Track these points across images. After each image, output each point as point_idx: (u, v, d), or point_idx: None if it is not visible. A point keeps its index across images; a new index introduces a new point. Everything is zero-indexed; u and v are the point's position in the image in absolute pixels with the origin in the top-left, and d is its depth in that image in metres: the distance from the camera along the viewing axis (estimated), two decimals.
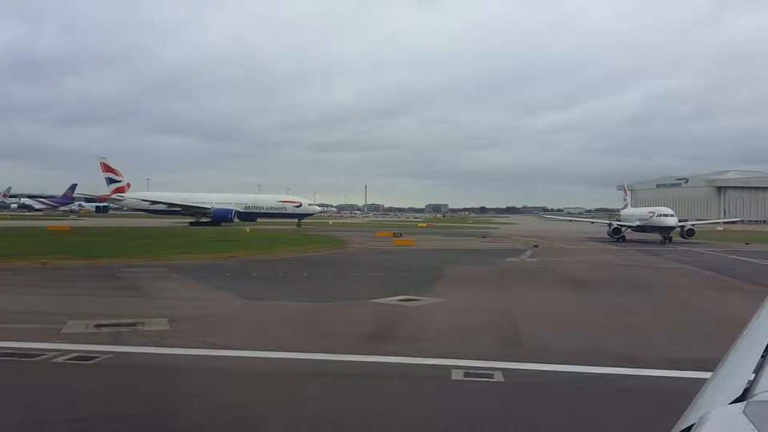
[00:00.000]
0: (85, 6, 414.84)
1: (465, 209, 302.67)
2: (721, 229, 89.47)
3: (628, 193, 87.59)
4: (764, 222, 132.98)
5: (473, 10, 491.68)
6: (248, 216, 77.96)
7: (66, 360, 9.45)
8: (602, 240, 56.32)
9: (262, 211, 79.57)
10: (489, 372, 9.02)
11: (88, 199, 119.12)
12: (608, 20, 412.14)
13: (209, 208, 76.68)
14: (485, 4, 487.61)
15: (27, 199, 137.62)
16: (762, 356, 2.10)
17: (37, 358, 9.51)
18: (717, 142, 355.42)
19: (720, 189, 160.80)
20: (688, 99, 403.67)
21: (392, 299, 16.72)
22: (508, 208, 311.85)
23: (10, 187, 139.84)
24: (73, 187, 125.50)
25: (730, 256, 38.86)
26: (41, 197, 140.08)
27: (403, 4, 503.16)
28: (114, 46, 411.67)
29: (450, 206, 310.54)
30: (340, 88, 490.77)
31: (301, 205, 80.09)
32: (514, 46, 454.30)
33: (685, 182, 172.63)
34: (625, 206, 77.74)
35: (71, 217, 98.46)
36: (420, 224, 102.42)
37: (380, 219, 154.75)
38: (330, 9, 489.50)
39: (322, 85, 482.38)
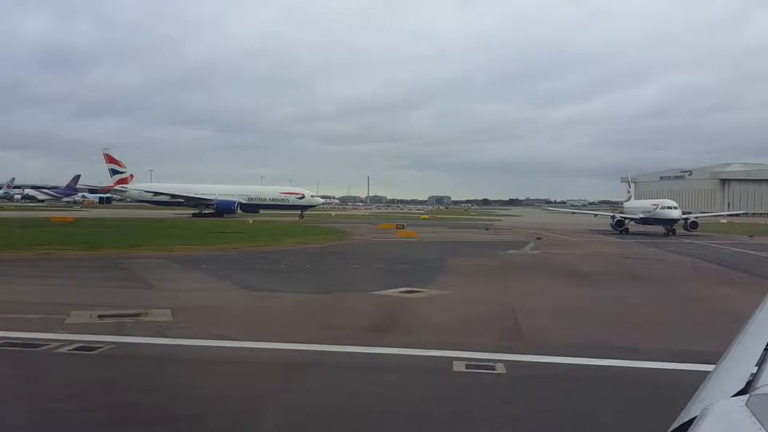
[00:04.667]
0: (118, 1, 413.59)
1: (468, 201, 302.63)
2: (725, 221, 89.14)
3: (632, 185, 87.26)
4: None
5: (505, 3, 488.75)
6: (251, 207, 77.92)
7: (69, 350, 9.50)
8: (605, 232, 56.20)
9: (265, 202, 79.58)
10: (491, 364, 9.03)
11: (92, 190, 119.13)
12: (636, 14, 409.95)
13: (212, 200, 76.69)
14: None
15: (31, 189, 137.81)
16: (765, 349, 2.09)
17: (41, 348, 9.56)
18: (731, 136, 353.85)
19: (724, 181, 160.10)
20: (705, 93, 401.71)
21: (394, 291, 16.73)
22: (510, 200, 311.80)
23: (14, 178, 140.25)
24: (77, 178, 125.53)
25: (733, 248, 38.77)
26: (45, 188, 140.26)
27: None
28: (141, 40, 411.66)
29: (453, 198, 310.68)
30: (361, 81, 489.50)
31: (303, 196, 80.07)
32: (540, 39, 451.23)
33: (689, 175, 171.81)
34: (629, 199, 77.50)
35: (74, 208, 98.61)
36: (423, 216, 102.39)
37: (383, 211, 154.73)
38: (363, 2, 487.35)
39: (345, 78, 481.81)
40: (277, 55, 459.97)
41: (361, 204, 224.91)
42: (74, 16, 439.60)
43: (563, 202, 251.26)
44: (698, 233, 54.57)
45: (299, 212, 77.16)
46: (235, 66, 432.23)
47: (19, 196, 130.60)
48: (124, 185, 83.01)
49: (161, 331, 11.19)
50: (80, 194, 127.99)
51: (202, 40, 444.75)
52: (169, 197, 78.22)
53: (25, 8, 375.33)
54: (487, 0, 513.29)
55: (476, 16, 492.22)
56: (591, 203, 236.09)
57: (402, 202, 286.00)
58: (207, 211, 74.84)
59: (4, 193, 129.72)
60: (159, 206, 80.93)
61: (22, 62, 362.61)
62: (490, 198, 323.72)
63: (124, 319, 12.04)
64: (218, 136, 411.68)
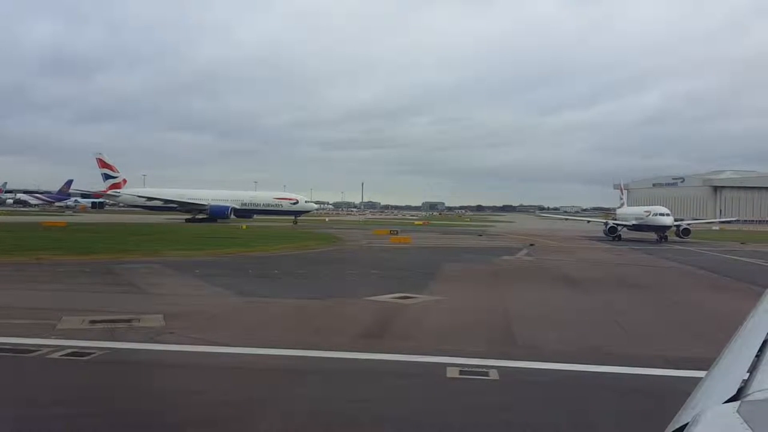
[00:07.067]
0: (120, 6, 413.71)
1: (461, 207, 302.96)
2: (717, 228, 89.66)
3: (624, 192, 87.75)
4: (760, 222, 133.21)
5: (506, 12, 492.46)
6: (245, 213, 77.87)
7: (61, 356, 9.43)
8: (598, 239, 56.42)
9: (259, 208, 79.50)
10: (484, 370, 9.04)
11: (84, 195, 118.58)
12: (637, 24, 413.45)
13: (206, 205, 76.54)
14: (526, 6, 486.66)
15: (23, 194, 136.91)
16: (756, 356, 2.11)
17: (33, 354, 9.49)
18: (727, 144, 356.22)
19: (716, 188, 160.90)
20: (703, 101, 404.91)
21: (388, 297, 16.72)
22: (504, 206, 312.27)
23: (6, 182, 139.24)
24: (69, 182, 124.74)
25: (725, 255, 38.98)
26: (37, 193, 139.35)
27: (442, 6, 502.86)
28: (142, 46, 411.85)
29: (447, 204, 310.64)
30: (363, 88, 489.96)
31: (297, 202, 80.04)
32: (541, 47, 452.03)
33: (682, 182, 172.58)
34: (621, 205, 77.90)
35: (67, 213, 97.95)
36: (416, 222, 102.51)
37: (377, 217, 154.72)
38: (364, 10, 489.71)
39: (345, 84, 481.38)
40: (278, 61, 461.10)
41: (354, 210, 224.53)
42: (76, 21, 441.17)
43: (556, 209, 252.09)
44: (690, 240, 54.85)
45: (293, 218, 77.14)
46: (237, 72, 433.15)
47: (11, 201, 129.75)
48: (117, 190, 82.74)
49: (153, 336, 11.13)
50: (73, 199, 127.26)
51: (204, 46, 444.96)
52: (162, 202, 77.95)
53: (26, 13, 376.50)
54: (489, 8, 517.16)
55: (477, 24, 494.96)
56: (584, 210, 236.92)
57: (396, 208, 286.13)
58: (200, 217, 74.70)
59: None
60: (152, 211, 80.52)
61: (21, 67, 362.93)
62: (484, 204, 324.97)
63: (116, 325, 11.97)
64: (218, 142, 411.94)
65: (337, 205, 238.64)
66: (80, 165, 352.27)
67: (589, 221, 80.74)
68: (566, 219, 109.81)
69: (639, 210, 62.92)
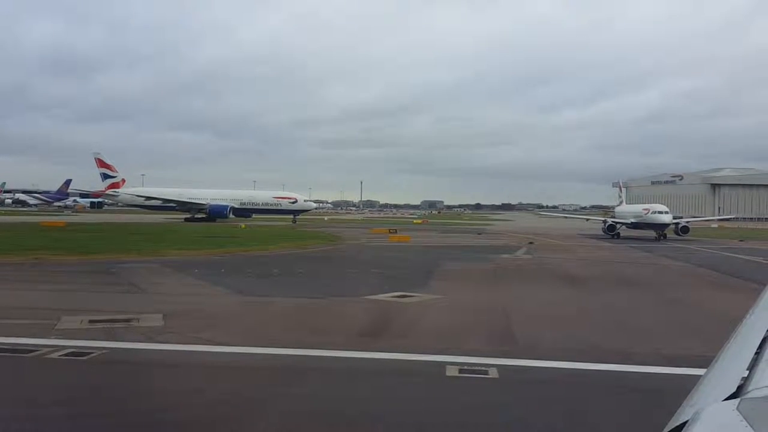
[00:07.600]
0: (120, 6, 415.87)
1: (461, 206, 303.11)
2: (716, 226, 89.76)
3: (623, 190, 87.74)
4: (759, 219, 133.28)
5: (506, 11, 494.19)
6: (243, 212, 77.83)
7: (60, 356, 9.42)
8: (597, 237, 56.44)
9: (258, 207, 79.45)
10: (484, 368, 9.04)
11: (83, 195, 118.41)
12: (637, 22, 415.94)
13: (204, 204, 76.44)
14: (526, 6, 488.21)
15: (22, 194, 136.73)
16: (756, 353, 2.11)
17: (32, 354, 9.48)
18: (727, 142, 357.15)
19: (715, 186, 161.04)
20: (703, 99, 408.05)
21: (387, 295, 16.73)
22: (503, 204, 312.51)
23: (5, 182, 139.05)
24: (68, 182, 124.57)
25: (723, 253, 39.00)
26: (36, 193, 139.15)
27: (442, 6, 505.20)
28: (142, 46, 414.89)
29: (446, 203, 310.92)
30: (363, 87, 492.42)
31: (296, 201, 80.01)
32: (542, 46, 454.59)
33: (680, 179, 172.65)
34: (620, 203, 77.90)
35: (66, 212, 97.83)
36: (415, 221, 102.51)
37: (376, 215, 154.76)
38: (365, 9, 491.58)
39: (346, 83, 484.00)
40: (278, 60, 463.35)
41: (354, 208, 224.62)
42: (76, 21, 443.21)
43: (555, 207, 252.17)
44: (689, 238, 54.90)
45: (292, 217, 77.10)
46: (237, 72, 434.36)
47: (9, 201, 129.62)
48: (116, 189, 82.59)
49: (153, 336, 11.13)
50: (71, 199, 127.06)
51: (204, 46, 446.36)
52: (161, 202, 77.86)
53: (26, 13, 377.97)
54: (490, 7, 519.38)
55: (477, 23, 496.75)
56: (583, 208, 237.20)
57: (395, 206, 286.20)
58: (199, 216, 74.62)
59: None
60: (151, 211, 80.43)
61: (21, 67, 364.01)
62: (483, 203, 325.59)
63: (116, 325, 11.96)
64: (218, 141, 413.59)
65: (336, 204, 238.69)
66: (79, 165, 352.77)
67: (588, 219, 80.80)
68: (565, 217, 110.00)
69: (638, 208, 62.93)
